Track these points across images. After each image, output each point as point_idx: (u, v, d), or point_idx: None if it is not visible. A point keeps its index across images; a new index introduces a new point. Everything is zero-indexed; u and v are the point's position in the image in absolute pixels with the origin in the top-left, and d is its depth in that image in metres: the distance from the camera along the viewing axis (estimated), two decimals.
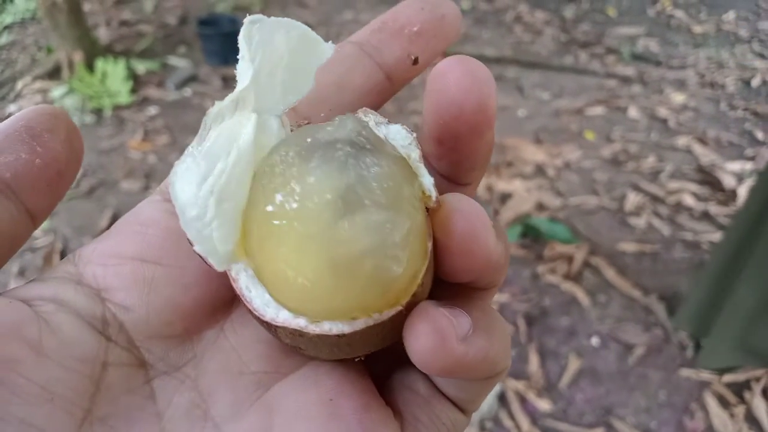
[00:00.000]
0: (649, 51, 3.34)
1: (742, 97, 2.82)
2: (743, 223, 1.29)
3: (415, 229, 0.19)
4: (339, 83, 0.25)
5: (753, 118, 2.63)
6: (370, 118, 0.22)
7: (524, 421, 1.36)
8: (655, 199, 2.08)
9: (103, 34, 3.12)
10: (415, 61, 0.25)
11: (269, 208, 0.19)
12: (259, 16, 0.20)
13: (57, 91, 2.54)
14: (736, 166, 2.24)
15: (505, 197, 2.04)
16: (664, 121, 2.59)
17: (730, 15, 3.86)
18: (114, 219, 1.92)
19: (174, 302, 0.22)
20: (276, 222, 0.19)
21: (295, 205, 0.18)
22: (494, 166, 2.19)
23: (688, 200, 2.06)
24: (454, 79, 0.19)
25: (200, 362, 0.23)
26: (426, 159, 0.22)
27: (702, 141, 2.43)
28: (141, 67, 2.79)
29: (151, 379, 0.22)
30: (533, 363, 1.49)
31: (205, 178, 0.19)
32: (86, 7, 3.15)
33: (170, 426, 0.21)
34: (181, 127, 2.42)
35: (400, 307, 0.19)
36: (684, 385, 1.46)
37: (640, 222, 1.96)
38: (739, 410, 1.39)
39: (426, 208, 0.20)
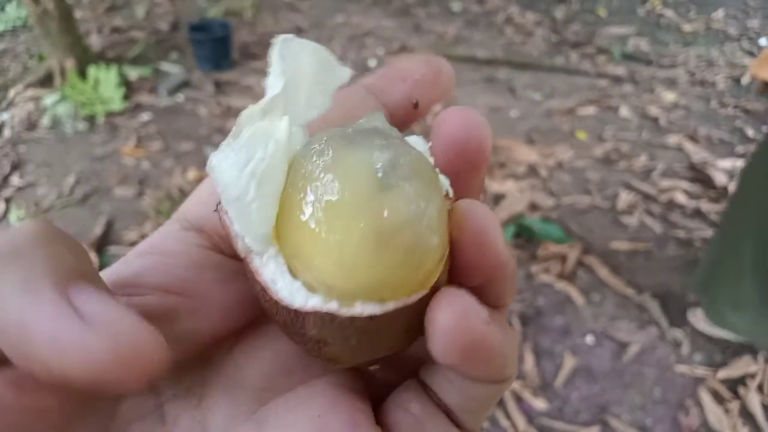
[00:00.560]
0: (639, 50, 3.36)
1: (732, 95, 2.84)
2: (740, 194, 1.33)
3: (444, 211, 0.20)
4: (346, 116, 0.27)
5: (743, 116, 2.65)
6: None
7: (520, 420, 1.37)
8: (648, 197, 2.09)
9: (94, 41, 3.12)
10: (416, 105, 0.28)
11: (308, 184, 0.20)
12: (291, 36, 0.22)
13: (49, 98, 2.53)
14: (727, 163, 2.26)
15: (498, 198, 2.05)
16: (656, 120, 2.61)
17: (719, 13, 3.90)
18: (108, 226, 1.92)
19: (194, 333, 0.22)
20: (314, 197, 0.19)
21: (334, 181, 0.19)
22: (487, 166, 2.20)
23: (680, 198, 2.07)
24: (457, 123, 0.22)
25: (208, 380, 0.23)
26: None
27: (693, 139, 2.45)
28: (133, 73, 2.79)
29: (163, 404, 0.22)
30: (528, 362, 1.50)
31: (246, 163, 0.20)
32: (78, 14, 3.14)
33: None
34: (174, 132, 2.42)
35: (426, 291, 0.20)
36: (678, 382, 1.47)
37: (632, 220, 1.97)
38: (734, 406, 1.40)
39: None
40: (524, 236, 1.88)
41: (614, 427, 1.37)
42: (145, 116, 2.52)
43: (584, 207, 2.04)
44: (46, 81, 2.66)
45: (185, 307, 0.22)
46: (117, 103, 2.54)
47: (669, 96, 2.83)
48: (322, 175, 0.19)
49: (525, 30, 3.60)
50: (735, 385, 1.45)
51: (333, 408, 0.22)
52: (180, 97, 2.68)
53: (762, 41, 3.48)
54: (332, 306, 0.19)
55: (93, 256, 1.77)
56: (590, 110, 2.68)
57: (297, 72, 0.22)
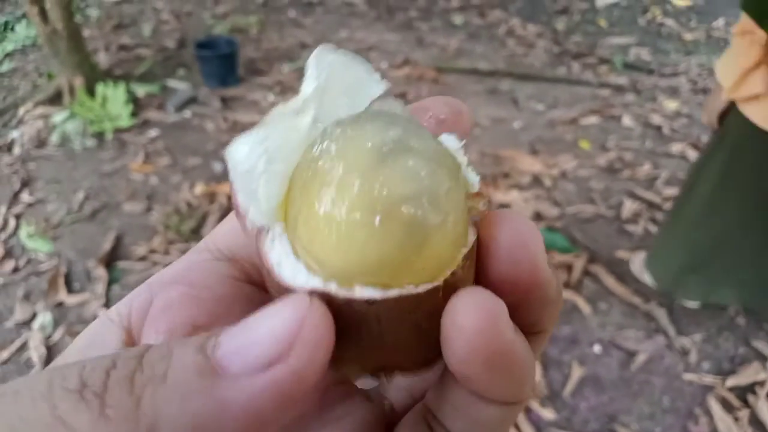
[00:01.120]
0: (641, 60, 3.39)
1: None
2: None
3: (459, 197, 0.20)
4: None
5: None
6: None
7: (529, 431, 1.37)
8: (652, 205, 2.10)
9: (102, 59, 3.17)
10: None
11: (315, 151, 0.20)
12: (330, 45, 0.22)
13: (58, 116, 2.57)
14: None
15: (502, 208, 2.06)
16: (658, 129, 2.62)
17: (720, 22, 3.92)
18: (117, 241, 1.94)
19: None
20: (315, 173, 0.19)
21: (334, 157, 0.19)
22: (491, 177, 2.22)
23: None
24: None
25: None
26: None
27: (696, 147, 2.46)
28: (141, 90, 2.83)
29: None
30: (536, 372, 1.50)
31: (261, 143, 0.20)
32: (86, 32, 3.20)
33: None
34: (182, 148, 2.45)
35: (438, 284, 0.18)
36: (687, 390, 1.46)
37: (637, 229, 1.98)
38: (744, 414, 1.40)
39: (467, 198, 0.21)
40: None
41: None
42: (152, 132, 2.55)
43: (589, 216, 2.05)
44: (55, 99, 2.71)
45: None
46: (125, 120, 2.58)
47: (671, 104, 2.84)
48: (323, 152, 0.19)
49: (527, 42, 3.63)
50: (744, 393, 1.45)
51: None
52: (187, 113, 2.72)
53: None
54: (331, 287, 0.18)
55: (102, 272, 1.79)
56: (593, 120, 2.70)
57: (334, 81, 0.22)
